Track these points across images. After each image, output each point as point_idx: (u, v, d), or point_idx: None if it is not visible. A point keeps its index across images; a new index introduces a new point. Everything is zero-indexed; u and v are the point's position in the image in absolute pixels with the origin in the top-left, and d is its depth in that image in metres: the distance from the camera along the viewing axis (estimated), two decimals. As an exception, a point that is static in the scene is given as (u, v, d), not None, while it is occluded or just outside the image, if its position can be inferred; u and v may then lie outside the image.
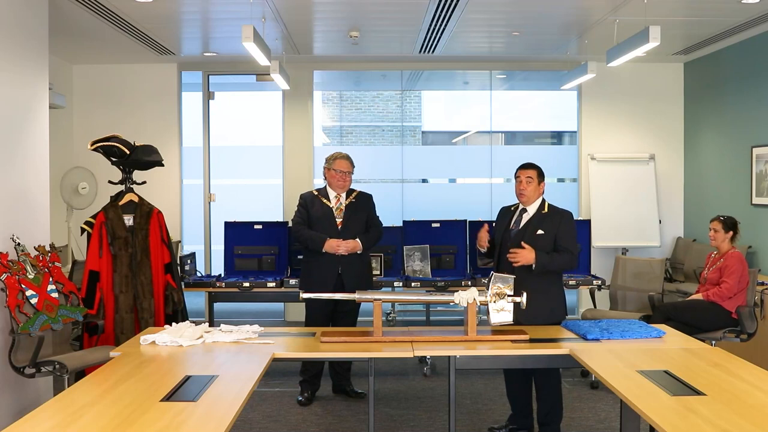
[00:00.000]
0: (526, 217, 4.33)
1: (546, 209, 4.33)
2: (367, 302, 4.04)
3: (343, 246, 4.97)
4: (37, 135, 5.00)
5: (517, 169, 4.41)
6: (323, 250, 4.97)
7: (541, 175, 4.37)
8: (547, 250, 4.19)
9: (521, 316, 4.09)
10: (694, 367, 3.19)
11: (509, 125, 11.57)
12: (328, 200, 5.14)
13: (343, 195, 5.17)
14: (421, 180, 8.86)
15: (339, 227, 5.07)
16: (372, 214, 5.25)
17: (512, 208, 4.45)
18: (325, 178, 5.20)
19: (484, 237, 4.36)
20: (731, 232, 5.32)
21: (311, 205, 5.14)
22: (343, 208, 5.13)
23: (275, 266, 6.23)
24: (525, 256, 4.13)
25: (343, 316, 5.14)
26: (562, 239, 4.23)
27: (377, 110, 13.92)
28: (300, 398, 5.21)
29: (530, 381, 4.37)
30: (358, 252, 5.05)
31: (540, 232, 4.24)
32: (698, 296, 5.37)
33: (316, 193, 5.21)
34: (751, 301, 5.22)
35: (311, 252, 5.08)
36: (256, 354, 3.50)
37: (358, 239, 5.03)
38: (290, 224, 5.45)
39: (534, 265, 4.13)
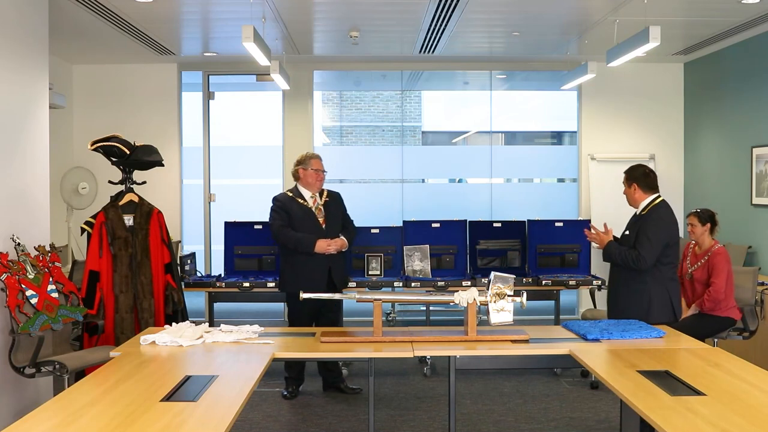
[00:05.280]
0: (633, 219, 4.46)
1: (645, 211, 4.37)
2: (367, 302, 4.04)
3: (333, 245, 5.08)
4: (37, 135, 5.00)
5: None
6: (314, 251, 5.02)
7: (630, 178, 4.44)
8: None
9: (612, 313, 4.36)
10: (694, 367, 3.19)
11: (509, 125, 11.58)
12: (305, 200, 5.21)
13: (317, 194, 5.25)
14: (420, 180, 8.87)
15: (323, 226, 5.16)
16: (345, 212, 5.42)
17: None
18: (297, 179, 5.27)
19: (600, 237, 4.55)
20: (708, 225, 5.12)
21: (290, 206, 5.18)
22: (322, 208, 5.22)
23: (275, 266, 6.22)
24: (599, 236, 4.44)
25: (327, 313, 5.21)
26: (637, 239, 4.29)
27: (377, 110, 13.92)
28: (285, 393, 5.30)
29: None
30: (344, 249, 5.21)
31: (626, 233, 4.39)
32: (695, 310, 5.09)
33: (290, 194, 5.25)
34: (751, 299, 5.21)
35: (296, 253, 5.11)
36: (256, 354, 3.50)
37: (342, 237, 5.17)
38: (270, 224, 5.25)
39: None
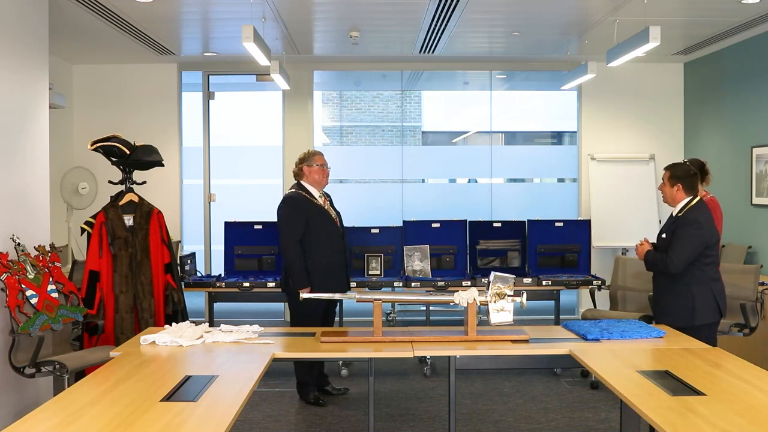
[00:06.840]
0: (670, 221, 4.32)
1: (682, 213, 4.21)
2: (367, 302, 4.04)
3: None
4: (37, 135, 5.00)
5: None
6: (299, 290, 4.67)
7: (674, 177, 4.24)
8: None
9: (658, 317, 4.31)
10: (694, 367, 3.19)
11: (509, 125, 11.57)
12: (316, 199, 5.01)
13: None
14: (420, 180, 8.87)
15: (339, 224, 5.09)
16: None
17: None
18: (301, 178, 5.01)
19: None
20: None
21: (307, 207, 4.94)
22: (328, 207, 5.09)
23: (275, 266, 6.22)
24: (639, 249, 4.42)
25: (332, 312, 5.20)
26: (671, 243, 4.16)
27: (377, 110, 13.92)
28: (319, 401, 5.12)
29: None
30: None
31: (663, 236, 4.28)
32: None
33: (303, 194, 4.99)
34: (752, 296, 5.20)
35: (318, 256, 4.92)
36: (256, 354, 3.50)
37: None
38: (283, 229, 4.95)
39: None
